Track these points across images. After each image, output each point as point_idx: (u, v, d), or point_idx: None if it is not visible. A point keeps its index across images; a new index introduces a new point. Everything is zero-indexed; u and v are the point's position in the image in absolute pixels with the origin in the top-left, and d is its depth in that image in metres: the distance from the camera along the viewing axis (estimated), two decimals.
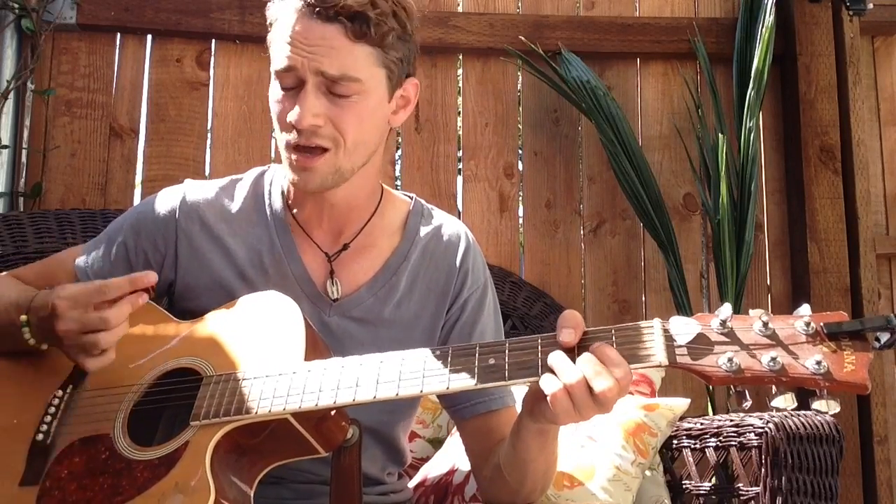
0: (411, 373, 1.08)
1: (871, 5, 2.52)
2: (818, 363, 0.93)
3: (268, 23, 1.32)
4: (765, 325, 0.98)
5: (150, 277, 1.20)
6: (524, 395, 1.14)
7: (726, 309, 1.00)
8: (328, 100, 1.26)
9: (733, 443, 1.70)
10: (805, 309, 0.99)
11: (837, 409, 0.95)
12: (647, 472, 1.81)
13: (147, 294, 1.21)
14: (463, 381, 1.05)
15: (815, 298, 2.51)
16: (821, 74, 2.63)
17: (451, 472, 1.67)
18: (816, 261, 2.54)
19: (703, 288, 2.60)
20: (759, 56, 2.46)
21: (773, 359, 0.95)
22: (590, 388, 1.00)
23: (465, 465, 1.64)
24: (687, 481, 1.85)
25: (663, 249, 2.43)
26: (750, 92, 2.46)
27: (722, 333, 0.99)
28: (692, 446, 1.84)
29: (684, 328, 1.01)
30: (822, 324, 0.97)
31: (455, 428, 1.86)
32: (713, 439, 1.78)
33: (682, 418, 1.88)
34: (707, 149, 2.50)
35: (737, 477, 1.70)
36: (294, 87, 1.26)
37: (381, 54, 1.28)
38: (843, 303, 2.52)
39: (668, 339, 1.01)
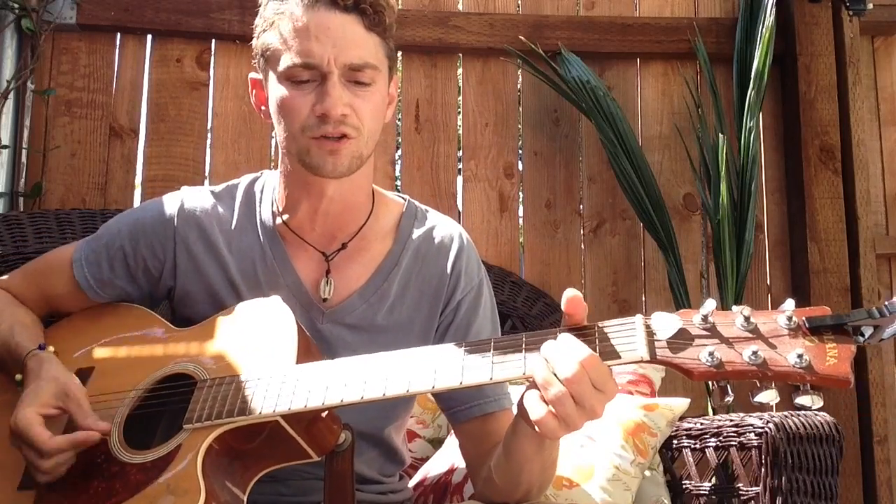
0: (398, 373, 1.08)
1: (871, 5, 2.52)
2: (800, 356, 0.92)
3: (263, 25, 1.31)
4: (746, 319, 0.97)
5: (94, 437, 1.17)
6: (519, 398, 1.13)
7: (709, 304, 0.99)
8: (349, 90, 1.27)
9: (733, 443, 1.70)
10: (788, 304, 0.98)
11: (821, 404, 0.94)
12: (647, 472, 1.81)
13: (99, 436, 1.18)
14: (447, 381, 1.05)
15: (815, 298, 2.51)
16: (821, 74, 2.63)
17: (451, 472, 1.67)
18: (816, 261, 2.54)
19: (703, 288, 2.60)
20: (759, 56, 2.46)
21: (755, 353, 0.94)
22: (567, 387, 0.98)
23: (464, 464, 1.64)
24: (687, 481, 1.85)
25: (663, 249, 2.43)
26: (750, 92, 2.46)
27: (704, 328, 0.98)
28: (692, 446, 1.84)
29: (666, 323, 1.00)
30: (804, 318, 0.96)
31: None
32: (713, 439, 1.77)
33: (681, 418, 1.88)
34: (707, 149, 2.50)
35: (737, 477, 1.70)
36: (310, 80, 1.26)
37: (385, 46, 1.31)
38: (843, 303, 2.51)
39: (650, 333, 1.00)
